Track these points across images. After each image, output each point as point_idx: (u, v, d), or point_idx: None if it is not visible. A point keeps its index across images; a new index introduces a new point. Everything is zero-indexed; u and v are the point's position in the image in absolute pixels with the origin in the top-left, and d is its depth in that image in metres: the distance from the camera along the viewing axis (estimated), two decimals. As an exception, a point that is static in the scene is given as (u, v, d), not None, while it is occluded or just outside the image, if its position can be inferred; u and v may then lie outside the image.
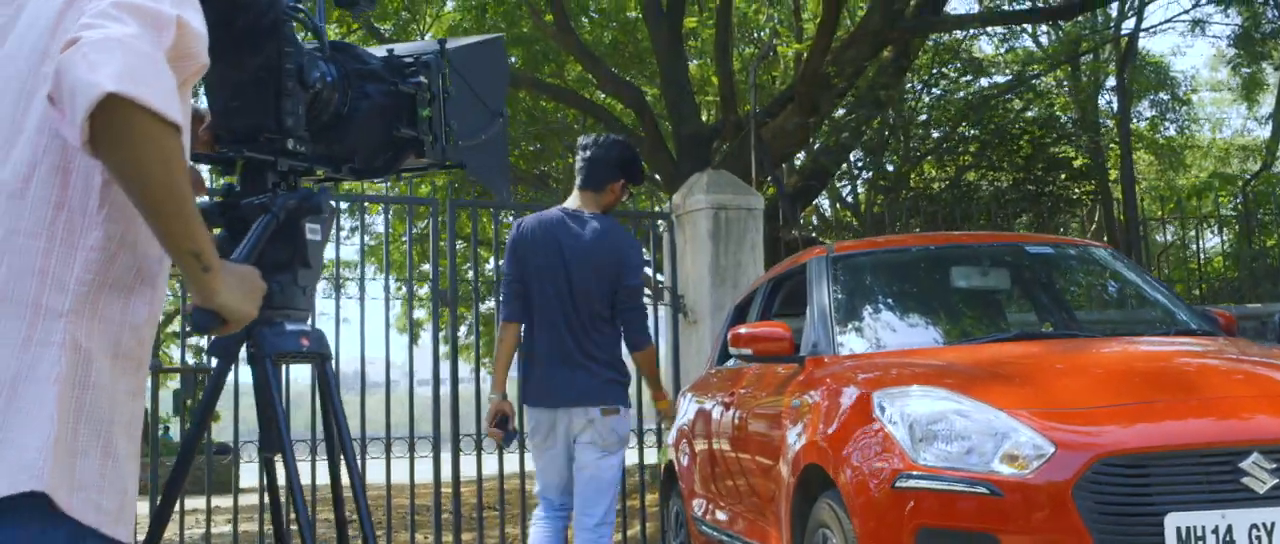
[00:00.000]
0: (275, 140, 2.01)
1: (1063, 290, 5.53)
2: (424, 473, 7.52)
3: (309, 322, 2.07)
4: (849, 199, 18.11)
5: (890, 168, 13.46)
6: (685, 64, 13.37)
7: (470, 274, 7.59)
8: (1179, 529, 3.50)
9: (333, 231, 2.04)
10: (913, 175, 13.13)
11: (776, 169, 11.60)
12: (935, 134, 13.54)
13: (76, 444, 1.60)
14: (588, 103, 14.15)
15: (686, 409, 6.68)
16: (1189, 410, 3.80)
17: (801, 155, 14.52)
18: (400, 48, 2.28)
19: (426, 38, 13.87)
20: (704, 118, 14.89)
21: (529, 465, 7.88)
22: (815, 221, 19.10)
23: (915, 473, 3.75)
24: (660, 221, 8.56)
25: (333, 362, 2.14)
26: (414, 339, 11.22)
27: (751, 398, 5.39)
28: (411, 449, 7.33)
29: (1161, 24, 23.97)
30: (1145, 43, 20.10)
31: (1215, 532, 3.51)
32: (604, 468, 4.92)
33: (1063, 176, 11.78)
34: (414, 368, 7.79)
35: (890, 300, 5.26)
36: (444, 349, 7.31)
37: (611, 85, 13.82)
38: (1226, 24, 17.84)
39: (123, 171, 1.56)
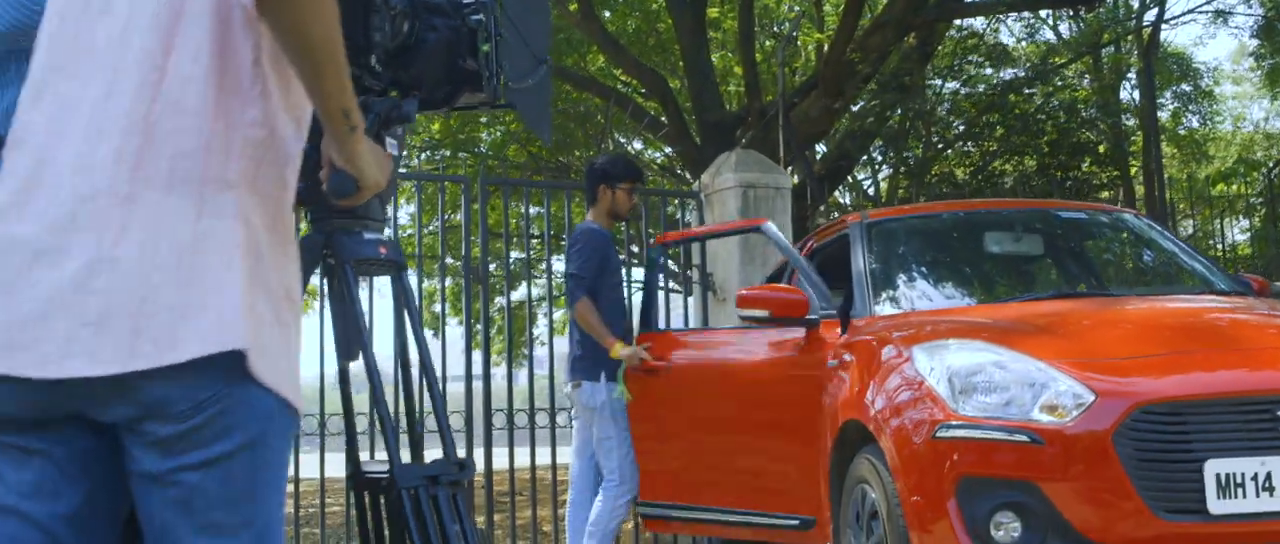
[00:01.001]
0: (362, 56, 2.07)
1: (1095, 255, 5.57)
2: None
3: (384, 231, 2.13)
4: (871, 192, 18.14)
5: (911, 160, 13.48)
6: (708, 51, 13.41)
7: (506, 257, 7.64)
8: (1218, 475, 3.54)
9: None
10: (935, 167, 13.14)
11: (804, 149, 11.64)
12: (959, 126, 13.57)
13: (257, 310, 1.67)
14: (611, 90, 14.20)
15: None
16: (1226, 361, 3.84)
17: (823, 146, 14.57)
18: None
19: None
20: (728, 106, 14.93)
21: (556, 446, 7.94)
22: (835, 215, 19.14)
23: (956, 423, 3.79)
24: (689, 200, 8.61)
25: (409, 272, 2.20)
26: (437, 332, 11.28)
27: (769, 363, 5.34)
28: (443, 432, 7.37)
29: (1184, 14, 23.91)
30: (1167, 35, 20.05)
31: (1254, 478, 3.55)
32: (591, 436, 5.74)
33: (1087, 161, 11.80)
34: (446, 359, 7.78)
35: (924, 265, 5.30)
36: (476, 327, 7.38)
37: (635, 72, 13.86)
38: (1248, 14, 17.82)
39: (289, 31, 1.65)
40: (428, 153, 15.29)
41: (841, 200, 18.69)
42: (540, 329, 16.24)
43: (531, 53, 2.44)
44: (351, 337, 2.07)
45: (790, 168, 11.03)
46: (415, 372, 2.17)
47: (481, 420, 7.38)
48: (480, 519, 7.53)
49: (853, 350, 4.61)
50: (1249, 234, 12.73)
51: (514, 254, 13.21)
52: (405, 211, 14.19)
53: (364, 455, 2.25)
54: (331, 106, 1.72)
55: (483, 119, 16.08)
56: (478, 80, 2.27)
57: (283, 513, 1.72)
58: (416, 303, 2.21)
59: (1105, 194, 13.10)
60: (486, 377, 7.35)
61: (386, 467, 2.09)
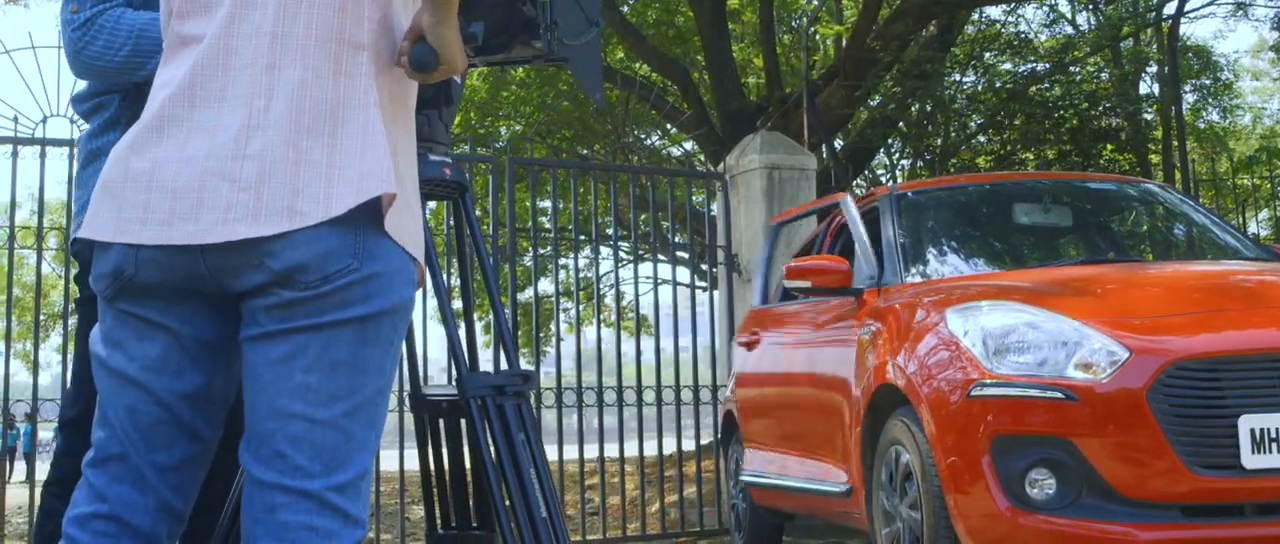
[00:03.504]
0: None
1: (1123, 225, 5.59)
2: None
3: (448, 154, 2.17)
4: (887, 178, 18.14)
5: (931, 152, 13.48)
6: (729, 41, 13.44)
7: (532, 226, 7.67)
8: (1253, 430, 3.57)
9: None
10: (955, 157, 13.13)
11: (830, 133, 11.66)
12: (978, 120, 13.56)
13: (396, 163, 1.74)
14: (632, 81, 14.25)
15: (739, 356, 6.75)
16: (1258, 319, 3.87)
17: (842, 140, 14.59)
18: None
19: None
20: (748, 98, 14.97)
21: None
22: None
23: (990, 381, 3.83)
24: (715, 182, 8.65)
25: (472, 192, 2.24)
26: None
27: (810, 331, 5.46)
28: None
29: (1203, 7, 23.87)
30: (1186, 28, 20.02)
31: (1288, 433, 3.58)
32: None
33: (1109, 148, 11.80)
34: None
35: (954, 236, 5.33)
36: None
37: (656, 62, 13.91)
38: (1269, 6, 17.78)
39: None
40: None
41: (862, 188, 18.72)
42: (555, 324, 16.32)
43: (584, 13, 2.48)
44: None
45: (814, 150, 11.04)
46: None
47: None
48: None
49: (884, 317, 4.65)
50: (1271, 223, 12.71)
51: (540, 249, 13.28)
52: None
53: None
54: None
55: (501, 110, 16.14)
56: (535, 28, 2.30)
57: (385, 397, 1.76)
58: (478, 229, 2.24)
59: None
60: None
61: (445, 389, 2.13)
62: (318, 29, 1.72)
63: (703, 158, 13.92)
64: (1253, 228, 14.87)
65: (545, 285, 15.57)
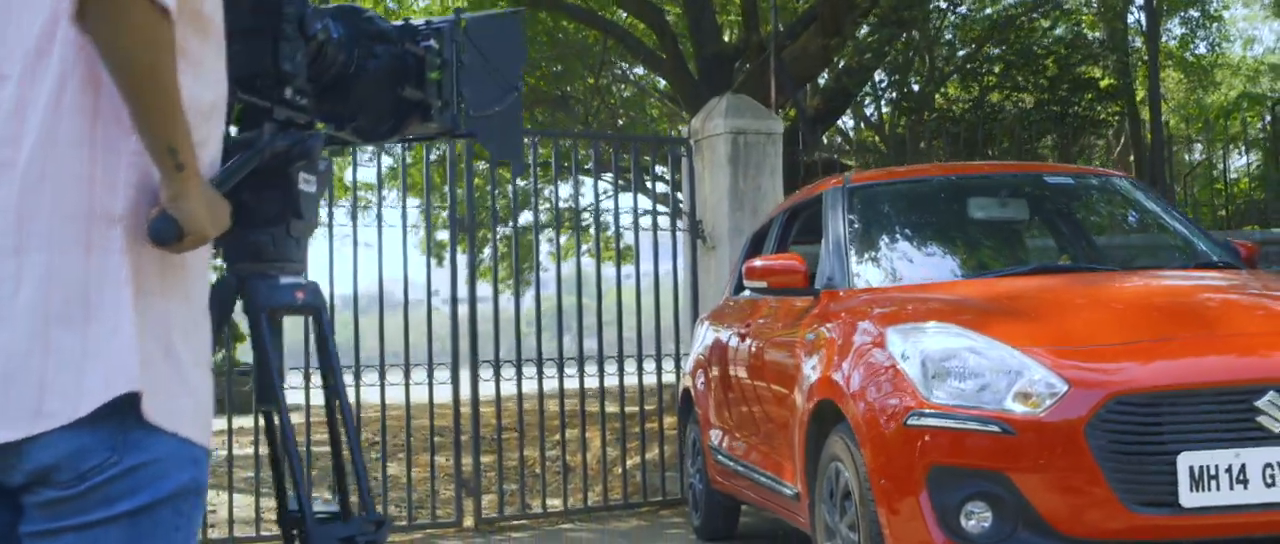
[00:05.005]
0: (272, 86, 1.98)
1: (1082, 221, 5.46)
2: (444, 396, 7.55)
3: (304, 274, 2.06)
4: (873, 117, 17.96)
5: (915, 87, 13.30)
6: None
7: (490, 201, 7.54)
8: (1192, 468, 3.49)
9: (329, 183, 2.01)
10: (937, 95, 12.95)
11: (798, 91, 11.48)
12: (961, 52, 13.34)
13: (145, 347, 1.62)
14: (608, 23, 14.01)
15: (703, 337, 6.68)
16: (1205, 347, 3.77)
17: (825, 76, 14.38)
18: (418, 19, 2.26)
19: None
20: (726, 38, 14.74)
21: (549, 387, 7.93)
22: (839, 141, 18.97)
23: (928, 411, 3.74)
24: (680, 147, 8.50)
25: (328, 313, 2.12)
26: (438, 260, 11.21)
27: (767, 329, 5.38)
28: (430, 368, 7.29)
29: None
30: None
31: (1228, 470, 3.50)
32: None
33: (1088, 97, 11.63)
34: (432, 289, 7.71)
35: (907, 232, 5.21)
36: (463, 275, 7.31)
37: (633, 5, 13.67)
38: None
39: (105, 50, 1.55)
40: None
41: (843, 127, 18.53)
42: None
43: (501, 78, 2.35)
44: (265, 386, 2.00)
45: (783, 109, 10.87)
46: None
47: (469, 359, 7.33)
48: (468, 461, 7.50)
49: (830, 323, 4.55)
50: (1250, 171, 12.59)
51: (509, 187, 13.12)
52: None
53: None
54: (156, 142, 1.61)
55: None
56: (426, 110, 2.18)
57: None
58: (335, 347, 2.13)
59: (1108, 131, 12.96)
60: (473, 315, 7.32)
61: (322, 511, 2.05)
62: (66, 204, 1.59)
63: (679, 104, 13.72)
64: (1238, 162, 14.78)
65: (526, 219, 15.49)
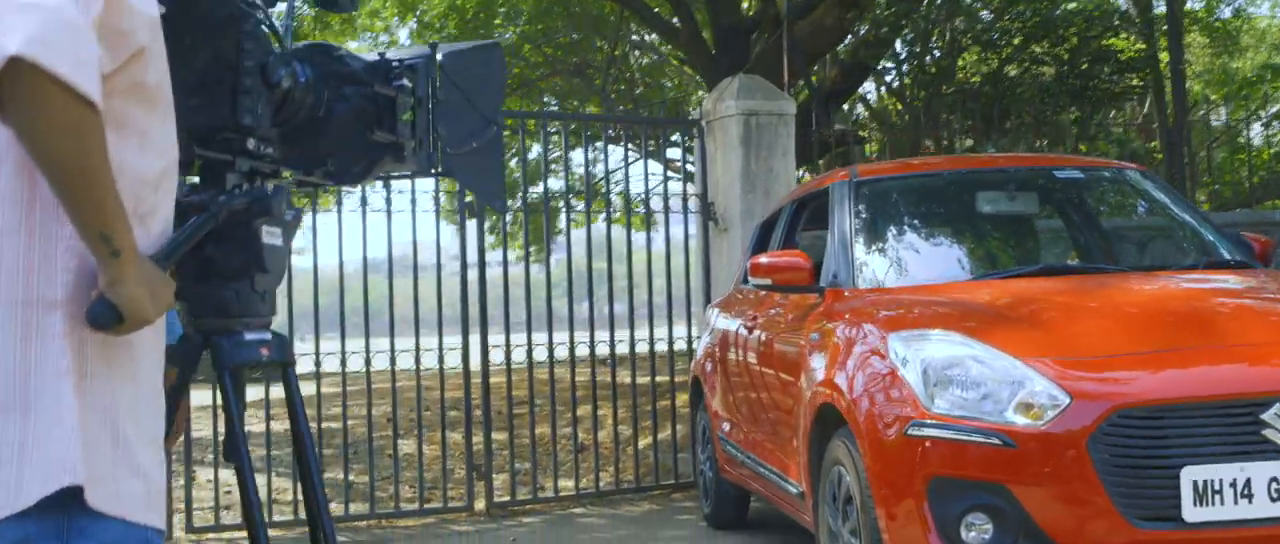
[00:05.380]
0: (233, 140, 1.94)
1: (1093, 217, 5.38)
2: (461, 368, 7.51)
3: (270, 328, 2.03)
4: (894, 83, 17.75)
5: (936, 53, 13.08)
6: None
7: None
8: (1195, 482, 3.44)
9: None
10: (958, 65, 12.74)
11: (810, 68, 11.35)
12: (983, 13, 13.10)
13: (88, 435, 1.60)
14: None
15: (713, 326, 6.65)
16: (1210, 358, 3.71)
17: (843, 47, 14.21)
18: (392, 52, 2.20)
19: None
20: (744, 7, 14.60)
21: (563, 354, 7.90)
22: (860, 111, 18.79)
23: (928, 422, 3.70)
24: (691, 129, 8.44)
25: (295, 367, 2.09)
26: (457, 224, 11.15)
27: (775, 323, 5.34)
28: (439, 332, 7.25)
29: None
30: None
31: (1233, 485, 3.45)
32: None
33: (1107, 69, 11.45)
34: (448, 256, 7.63)
35: (913, 229, 5.15)
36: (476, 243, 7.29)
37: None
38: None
39: (28, 141, 1.52)
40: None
41: (865, 92, 18.31)
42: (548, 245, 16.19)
43: (480, 114, 2.30)
44: (231, 443, 1.98)
45: (795, 87, 10.74)
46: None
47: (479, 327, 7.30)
48: (478, 439, 7.48)
49: (834, 324, 4.50)
50: (1271, 139, 12.40)
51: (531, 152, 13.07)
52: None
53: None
54: (87, 231, 1.59)
55: (497, 20, 15.80)
56: (399, 151, 2.13)
57: None
58: (301, 399, 2.10)
59: (1131, 101, 12.79)
60: (482, 282, 7.29)
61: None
62: (2, 292, 1.57)
63: (697, 73, 13.60)
64: (1260, 132, 14.54)
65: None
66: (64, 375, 1.57)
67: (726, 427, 6.08)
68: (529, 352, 7.59)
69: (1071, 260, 5.19)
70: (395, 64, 2.15)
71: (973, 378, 3.71)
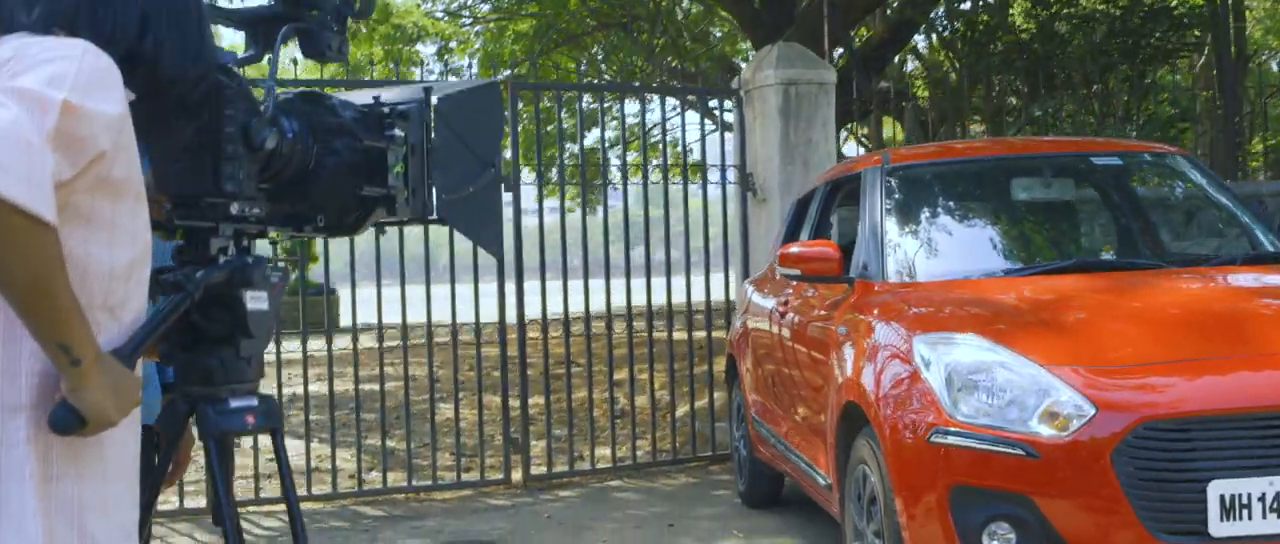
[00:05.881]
0: (218, 206, 1.93)
1: (1131, 205, 5.26)
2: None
3: (257, 392, 2.02)
4: (944, 31, 17.43)
5: (970, 30, 12.82)
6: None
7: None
8: (1223, 497, 3.39)
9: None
10: (993, 46, 12.43)
11: (855, 26, 11.16)
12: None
13: (55, 540, 1.60)
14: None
15: (748, 304, 6.61)
16: (1240, 367, 3.64)
17: (881, 13, 13.98)
18: (387, 94, 2.16)
19: None
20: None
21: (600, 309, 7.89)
22: (911, 62, 18.53)
23: (952, 430, 3.65)
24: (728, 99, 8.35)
25: (283, 432, 2.08)
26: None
27: (806, 308, 5.29)
28: (475, 278, 7.24)
29: None
30: None
31: (1262, 499, 3.40)
32: None
33: (1162, 27, 11.18)
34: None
35: (946, 219, 5.07)
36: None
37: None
38: None
39: None
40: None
41: (917, 44, 18.03)
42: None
43: (477, 157, 2.26)
44: (217, 509, 1.98)
45: (836, 53, 10.57)
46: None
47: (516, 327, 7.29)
48: (515, 403, 7.50)
49: (862, 317, 4.45)
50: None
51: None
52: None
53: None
54: (47, 344, 1.59)
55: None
56: (391, 203, 2.10)
57: None
58: (289, 467, 2.10)
59: (1187, 58, 12.50)
60: (520, 289, 7.27)
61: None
62: None
63: (743, 36, 13.42)
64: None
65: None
66: (27, 481, 1.57)
67: (758, 408, 6.06)
68: (565, 301, 7.45)
69: (1106, 253, 5.09)
70: (387, 111, 2.12)
71: (998, 385, 3.66)
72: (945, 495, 3.64)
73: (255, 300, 1.95)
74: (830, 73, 8.06)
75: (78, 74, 1.57)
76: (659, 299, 7.76)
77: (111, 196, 1.66)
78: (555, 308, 7.64)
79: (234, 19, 2.11)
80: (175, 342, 1.92)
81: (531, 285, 7.60)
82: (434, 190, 2.17)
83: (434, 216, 2.18)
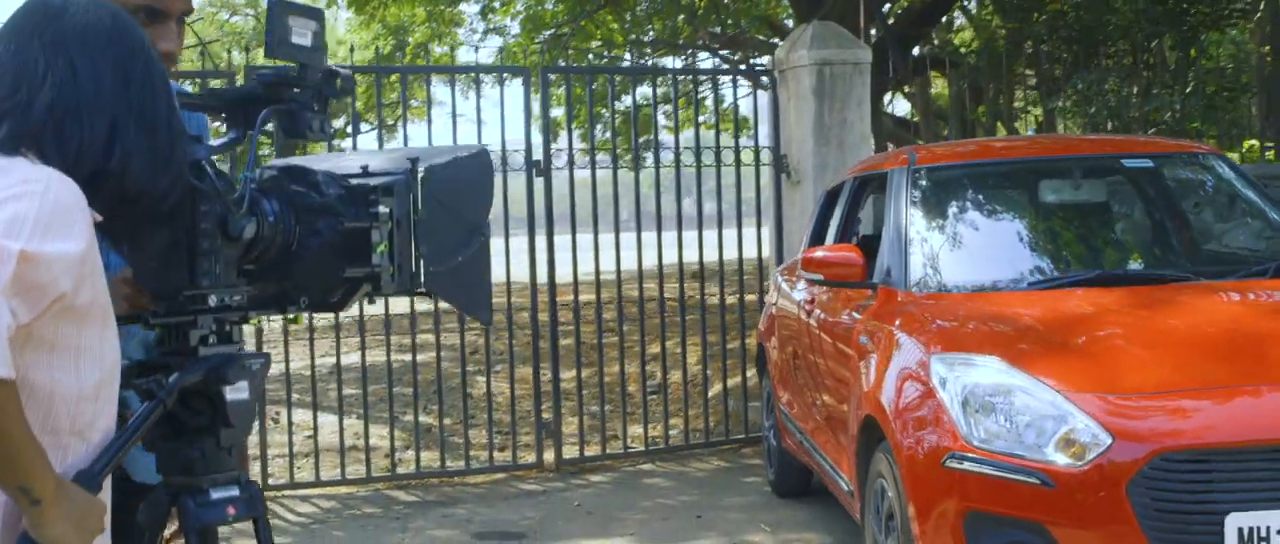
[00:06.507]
0: (195, 298, 1.92)
1: (1163, 208, 5.15)
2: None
3: (238, 481, 2.02)
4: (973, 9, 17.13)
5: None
6: None
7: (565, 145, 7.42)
8: (1241, 530, 3.34)
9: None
10: (1037, 16, 12.17)
11: (881, 7, 10.97)
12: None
13: None
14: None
15: (777, 293, 6.58)
16: (1260, 396, 3.57)
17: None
18: (374, 162, 2.14)
19: None
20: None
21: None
22: (958, 18, 18.24)
23: (968, 455, 3.62)
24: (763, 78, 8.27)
25: (266, 519, 2.08)
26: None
27: (832, 307, 5.25)
28: (506, 233, 7.23)
29: None
30: None
31: (1280, 532, 3.34)
32: None
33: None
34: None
35: (973, 223, 5.00)
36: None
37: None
38: None
39: None
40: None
41: (959, 18, 17.73)
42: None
43: (466, 225, 2.24)
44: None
45: (872, 29, 10.40)
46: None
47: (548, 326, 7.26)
48: (546, 375, 7.51)
49: (884, 327, 4.42)
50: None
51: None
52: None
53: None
54: (6, 487, 1.60)
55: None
56: (377, 279, 2.09)
57: None
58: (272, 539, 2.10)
59: (1235, 23, 12.22)
60: (552, 278, 7.27)
61: None
62: None
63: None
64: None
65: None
66: None
67: (786, 401, 6.04)
68: (595, 257, 7.37)
69: (1135, 262, 5.00)
70: (371, 186, 2.09)
71: (1015, 408, 3.63)
72: (960, 521, 3.62)
73: (235, 392, 1.95)
74: (865, 52, 7.95)
75: (39, 215, 1.56)
76: (690, 256, 7.72)
77: (77, 323, 1.66)
78: (587, 272, 7.63)
79: (213, 103, 2.10)
80: (156, 432, 1.93)
81: (564, 254, 7.58)
82: (422, 262, 2.15)
83: (422, 289, 2.16)
